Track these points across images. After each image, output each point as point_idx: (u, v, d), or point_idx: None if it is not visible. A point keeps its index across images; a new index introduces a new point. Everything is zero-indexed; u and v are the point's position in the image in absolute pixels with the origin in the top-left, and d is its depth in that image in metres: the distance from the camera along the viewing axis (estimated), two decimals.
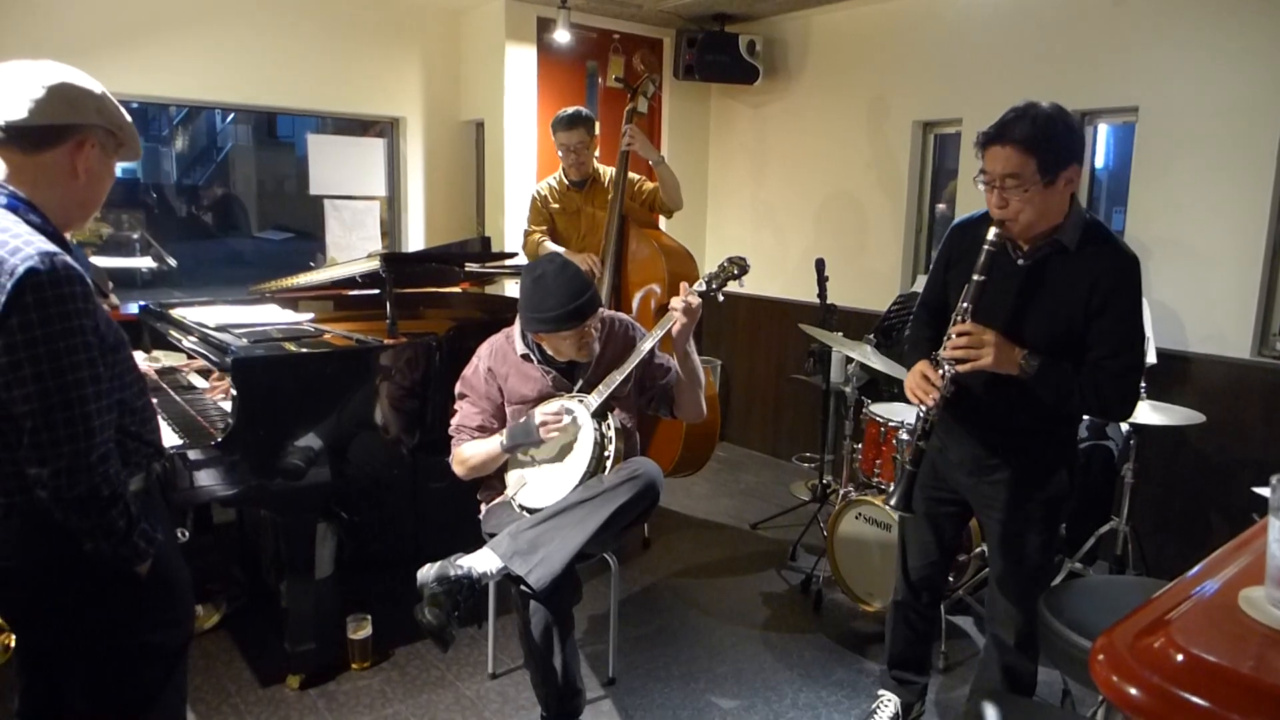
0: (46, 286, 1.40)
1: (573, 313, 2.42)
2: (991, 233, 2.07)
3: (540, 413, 2.49)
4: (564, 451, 2.55)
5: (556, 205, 4.07)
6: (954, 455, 2.32)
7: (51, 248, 1.43)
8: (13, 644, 1.54)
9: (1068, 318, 2.09)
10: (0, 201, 1.49)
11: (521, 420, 2.53)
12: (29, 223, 1.48)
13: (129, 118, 1.61)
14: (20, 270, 1.38)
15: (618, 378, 2.55)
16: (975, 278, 2.08)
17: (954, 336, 2.08)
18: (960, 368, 2.07)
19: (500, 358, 2.65)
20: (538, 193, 4.12)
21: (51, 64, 1.51)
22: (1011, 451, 2.23)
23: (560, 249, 4.02)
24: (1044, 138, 1.98)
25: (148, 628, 1.65)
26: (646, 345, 2.59)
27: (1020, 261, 2.14)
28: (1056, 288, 2.10)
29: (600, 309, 2.53)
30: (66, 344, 1.42)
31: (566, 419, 2.50)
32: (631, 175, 3.95)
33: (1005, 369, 2.06)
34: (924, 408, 2.14)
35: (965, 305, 2.09)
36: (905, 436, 3.30)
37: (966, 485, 2.34)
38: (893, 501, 2.20)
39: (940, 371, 2.12)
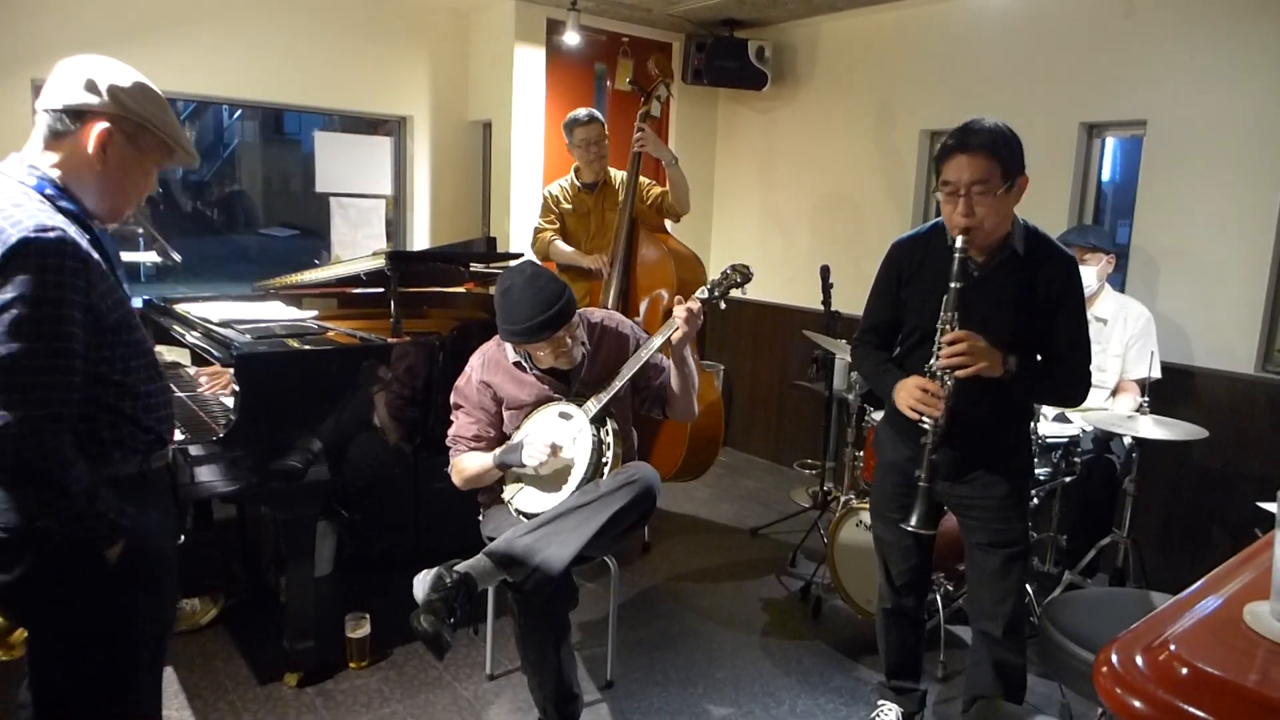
0: (33, 255, 1.42)
1: (541, 325, 2.37)
2: (959, 240, 2.13)
3: (536, 442, 2.45)
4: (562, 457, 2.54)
5: (568, 206, 4.08)
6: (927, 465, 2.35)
7: (52, 222, 1.46)
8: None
9: (1028, 320, 2.21)
10: (30, 183, 1.53)
11: (516, 442, 2.52)
12: (59, 208, 1.53)
13: (176, 122, 1.67)
14: (13, 239, 1.42)
15: (617, 384, 2.54)
16: (953, 285, 2.13)
17: (944, 346, 2.12)
18: (960, 374, 2.11)
19: (493, 367, 2.63)
20: (549, 193, 4.14)
21: (96, 58, 1.58)
22: (983, 451, 2.30)
23: (570, 249, 4.03)
24: (1003, 143, 2.11)
25: (115, 616, 1.63)
26: (645, 353, 2.57)
27: (977, 274, 2.23)
28: (1015, 293, 2.21)
29: (576, 316, 2.48)
30: (37, 312, 1.42)
31: (568, 437, 2.50)
32: (640, 179, 3.95)
33: (993, 372, 2.13)
34: (929, 421, 2.16)
35: (951, 314, 2.14)
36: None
37: (942, 490, 2.37)
38: (913, 522, 2.20)
39: (939, 383, 2.15)
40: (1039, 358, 2.28)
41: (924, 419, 2.17)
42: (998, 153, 2.09)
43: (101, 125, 1.56)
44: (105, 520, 1.55)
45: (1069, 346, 2.22)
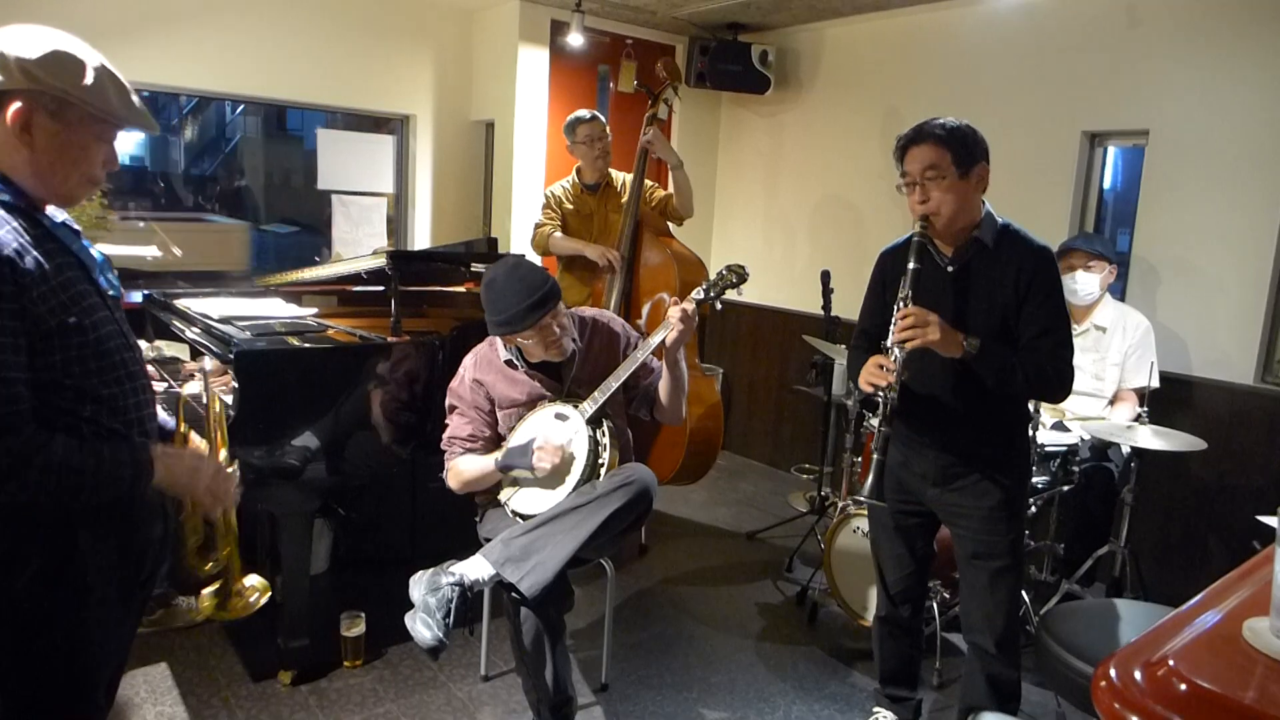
0: None
1: (527, 309, 2.39)
2: (917, 225, 2.20)
3: (547, 446, 2.45)
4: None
5: (570, 207, 4.07)
6: (918, 468, 2.37)
7: None
8: None
9: (1002, 310, 2.22)
10: None
11: (520, 444, 2.51)
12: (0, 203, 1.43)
13: (104, 82, 1.48)
14: None
15: (613, 384, 2.53)
16: (910, 266, 2.19)
17: (898, 321, 2.15)
18: (908, 345, 2.13)
19: (485, 366, 2.64)
20: (551, 193, 4.13)
21: (10, 29, 1.45)
22: (971, 457, 2.30)
23: (567, 237, 4.01)
24: (955, 133, 2.18)
25: (70, 637, 1.54)
26: (642, 354, 2.57)
27: (949, 268, 2.26)
28: (986, 285, 2.23)
29: (560, 302, 2.49)
30: None
31: (566, 439, 2.49)
32: (644, 181, 3.95)
33: (950, 350, 2.14)
34: (881, 392, 2.18)
35: (906, 293, 2.18)
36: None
37: (932, 496, 2.38)
38: (865, 491, 2.23)
39: (892, 356, 2.18)
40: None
41: (877, 393, 2.20)
42: (948, 142, 2.16)
43: (15, 105, 1.42)
44: (127, 465, 1.48)
45: (1041, 334, 2.18)
